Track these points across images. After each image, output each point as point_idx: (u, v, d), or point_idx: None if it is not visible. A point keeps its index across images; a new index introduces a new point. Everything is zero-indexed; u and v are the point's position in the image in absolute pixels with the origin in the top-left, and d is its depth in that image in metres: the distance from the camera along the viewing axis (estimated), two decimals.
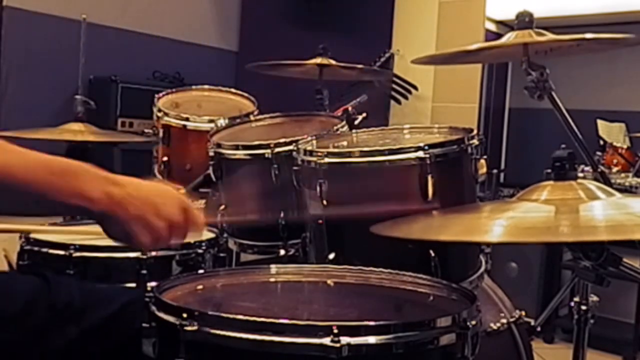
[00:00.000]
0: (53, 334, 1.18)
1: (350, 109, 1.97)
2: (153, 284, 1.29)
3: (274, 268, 1.28)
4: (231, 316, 0.95)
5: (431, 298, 1.19)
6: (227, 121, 2.06)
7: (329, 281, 1.27)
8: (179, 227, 1.07)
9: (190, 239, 1.19)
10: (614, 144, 3.61)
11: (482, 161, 1.42)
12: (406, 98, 3.89)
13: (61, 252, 1.53)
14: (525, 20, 1.60)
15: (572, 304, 1.49)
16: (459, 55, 1.78)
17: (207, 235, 1.77)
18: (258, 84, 2.70)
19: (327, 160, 1.38)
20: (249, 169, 1.70)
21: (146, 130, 2.40)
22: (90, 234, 1.76)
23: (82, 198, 1.00)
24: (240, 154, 1.69)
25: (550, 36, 1.58)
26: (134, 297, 1.28)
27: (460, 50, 1.70)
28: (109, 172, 1.06)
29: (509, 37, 1.62)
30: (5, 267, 1.67)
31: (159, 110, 2.25)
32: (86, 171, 1.03)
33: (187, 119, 2.19)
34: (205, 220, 1.17)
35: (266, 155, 1.61)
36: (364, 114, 1.97)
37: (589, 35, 1.52)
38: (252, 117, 2.07)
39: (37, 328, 1.18)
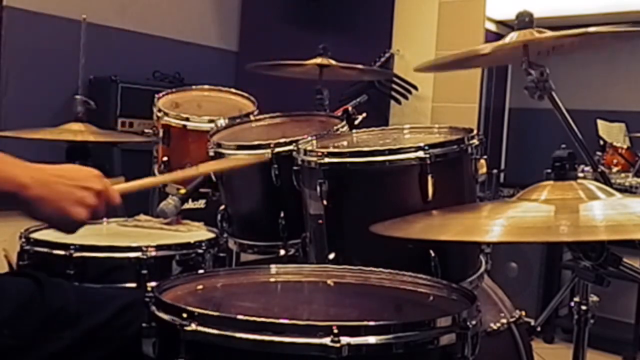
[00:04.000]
0: (47, 339, 1.17)
1: (350, 109, 1.96)
2: (153, 284, 1.29)
3: (274, 268, 1.28)
4: (231, 316, 0.95)
5: (431, 298, 1.19)
6: (227, 121, 2.05)
7: (329, 281, 1.27)
8: (102, 195, 1.12)
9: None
10: (614, 144, 3.61)
11: (482, 161, 1.42)
12: (406, 98, 3.88)
13: (61, 252, 1.53)
14: (525, 20, 1.60)
15: (572, 304, 1.49)
16: (459, 61, 1.77)
17: (207, 235, 1.77)
18: (258, 84, 2.70)
19: (327, 160, 1.38)
20: (249, 169, 1.70)
21: (146, 130, 2.40)
22: (90, 234, 1.76)
23: (14, 184, 1.03)
24: (240, 154, 1.69)
25: (550, 33, 1.58)
26: (130, 300, 1.27)
27: (460, 57, 1.70)
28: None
29: (510, 38, 1.62)
30: (5, 268, 1.67)
31: (159, 110, 2.25)
32: (8, 159, 1.05)
33: (187, 119, 2.19)
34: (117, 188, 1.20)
35: (266, 155, 1.61)
36: (364, 114, 1.97)
37: (592, 29, 1.51)
38: (252, 117, 2.07)
39: (30, 332, 1.16)
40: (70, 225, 1.11)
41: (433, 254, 1.33)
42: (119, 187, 1.20)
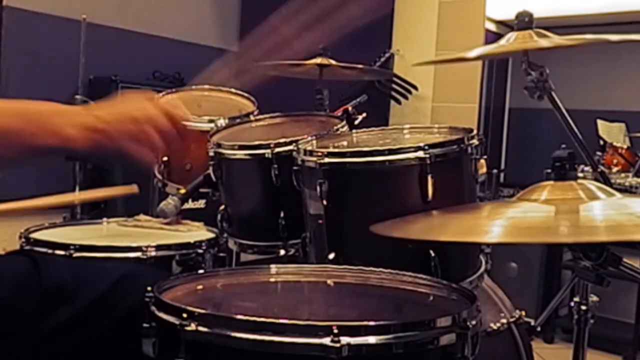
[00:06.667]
0: (45, 315, 1.16)
1: (350, 109, 1.96)
2: None
3: (274, 268, 1.28)
4: (231, 316, 0.95)
5: (431, 298, 1.18)
6: (227, 121, 2.05)
7: (329, 281, 1.27)
8: (167, 130, 1.09)
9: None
10: (614, 144, 3.61)
11: (482, 161, 1.42)
12: (406, 98, 3.89)
13: (61, 252, 1.53)
14: (525, 21, 1.60)
15: (572, 304, 1.49)
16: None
17: (207, 235, 1.77)
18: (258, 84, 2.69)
19: (327, 160, 1.38)
20: (249, 169, 1.70)
21: None
22: (90, 234, 1.77)
23: (61, 138, 1.01)
24: (240, 154, 1.69)
25: (550, 37, 1.58)
26: (127, 272, 1.26)
27: (460, 57, 1.70)
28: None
29: (509, 38, 1.62)
30: None
31: None
32: (61, 112, 1.03)
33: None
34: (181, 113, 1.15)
35: (266, 155, 1.61)
36: (364, 114, 1.97)
37: (589, 36, 1.52)
38: (252, 117, 2.07)
39: (28, 310, 1.15)
40: (142, 164, 1.08)
41: (433, 254, 1.32)
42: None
